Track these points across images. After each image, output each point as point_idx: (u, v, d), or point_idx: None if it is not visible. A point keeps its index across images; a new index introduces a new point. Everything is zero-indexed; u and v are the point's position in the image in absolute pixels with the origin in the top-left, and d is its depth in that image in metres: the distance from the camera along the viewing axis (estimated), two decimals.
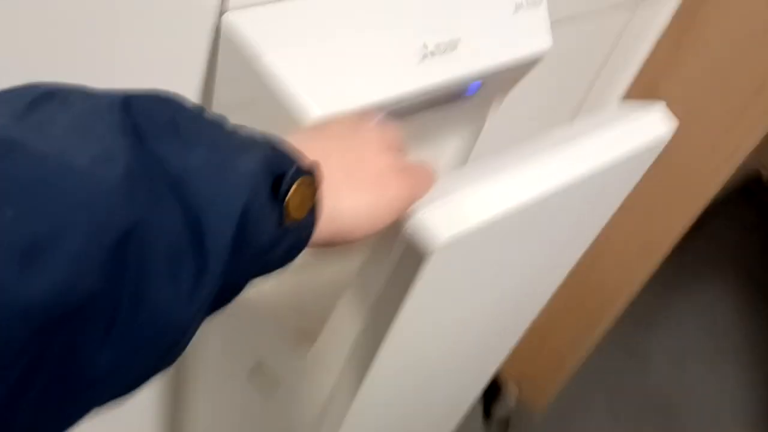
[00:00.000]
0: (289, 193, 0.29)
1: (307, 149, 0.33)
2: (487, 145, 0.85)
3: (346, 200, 0.35)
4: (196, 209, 0.25)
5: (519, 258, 0.55)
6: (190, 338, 0.26)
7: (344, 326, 0.51)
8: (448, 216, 0.42)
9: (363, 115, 0.46)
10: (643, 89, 1.07)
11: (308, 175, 0.30)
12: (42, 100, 0.23)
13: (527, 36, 0.61)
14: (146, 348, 0.23)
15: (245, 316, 0.61)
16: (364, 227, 0.36)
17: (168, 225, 0.24)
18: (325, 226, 0.33)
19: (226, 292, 0.28)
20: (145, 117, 0.25)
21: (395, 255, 0.43)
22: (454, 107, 0.66)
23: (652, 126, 0.56)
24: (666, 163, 1.12)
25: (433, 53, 0.54)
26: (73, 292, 0.20)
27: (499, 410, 1.54)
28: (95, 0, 0.42)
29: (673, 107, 1.08)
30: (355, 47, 0.50)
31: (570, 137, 0.53)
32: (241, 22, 0.48)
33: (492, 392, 1.53)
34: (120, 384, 0.24)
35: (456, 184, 0.45)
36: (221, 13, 0.48)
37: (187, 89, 0.51)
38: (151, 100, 0.26)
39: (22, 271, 0.19)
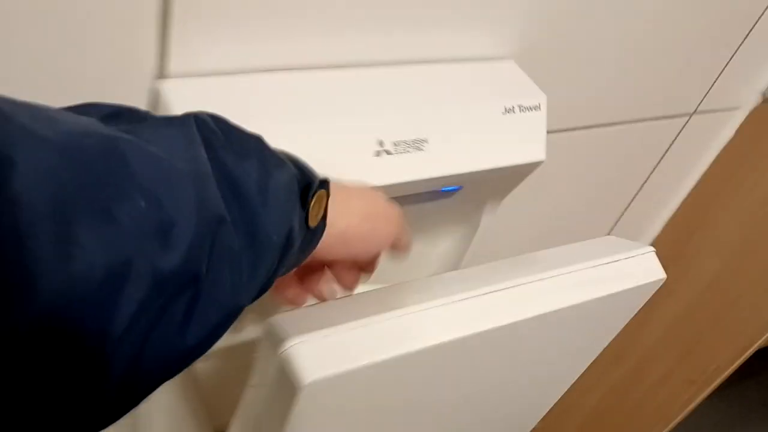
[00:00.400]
0: (312, 202, 0.34)
1: None
2: (500, 246, 0.78)
3: (346, 207, 0.39)
4: (252, 212, 0.29)
5: (445, 391, 0.48)
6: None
7: None
8: (333, 350, 0.37)
9: None
10: (693, 211, 0.97)
11: (324, 188, 0.35)
12: (113, 116, 0.27)
13: (513, 143, 0.54)
14: (211, 322, 0.27)
15: (168, 418, 0.57)
16: (363, 230, 0.41)
17: (234, 222, 0.28)
18: (331, 230, 0.37)
19: (264, 287, 0.32)
20: (208, 131, 0.29)
21: (273, 382, 0.38)
22: (437, 204, 0.60)
23: (631, 274, 0.48)
24: (716, 294, 1.01)
25: (389, 152, 0.49)
26: (188, 266, 0.25)
27: None
28: (39, 60, 0.41)
29: (726, 235, 0.98)
30: (297, 132, 0.46)
31: (526, 270, 0.46)
32: (174, 91, 0.45)
33: None
34: (191, 354, 0.27)
35: (357, 313, 0.39)
36: (158, 78, 0.45)
37: None
38: (209, 117, 0.30)
39: (161, 247, 0.23)
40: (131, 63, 0.44)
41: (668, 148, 0.86)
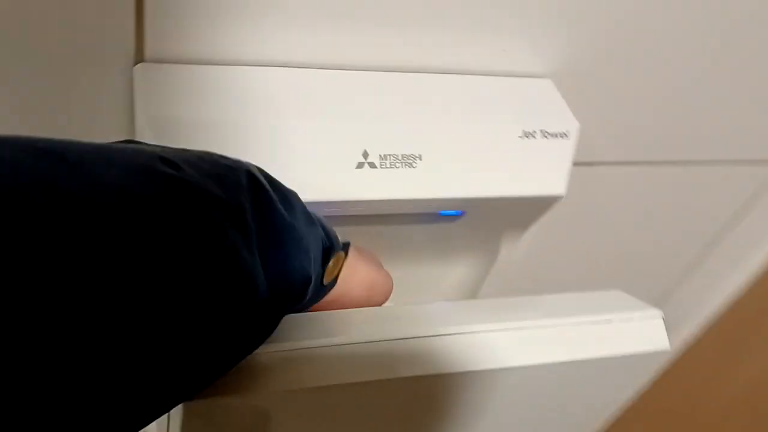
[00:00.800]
0: (330, 262, 0.35)
1: None
2: (524, 283, 0.72)
3: (352, 272, 0.41)
4: (292, 261, 0.31)
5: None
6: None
7: None
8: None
9: None
10: None
11: (345, 250, 0.38)
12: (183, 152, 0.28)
13: (526, 172, 0.48)
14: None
15: None
16: (361, 297, 0.42)
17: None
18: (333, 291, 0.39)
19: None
20: (257, 180, 0.30)
21: None
22: (444, 228, 0.55)
23: (626, 340, 0.41)
24: None
25: (373, 164, 0.44)
26: None
27: None
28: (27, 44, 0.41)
29: None
30: (267, 129, 0.42)
31: (504, 317, 0.41)
32: (145, 75, 0.43)
33: None
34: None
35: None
36: (137, 62, 0.44)
37: (113, 124, 0.47)
38: (254, 166, 0.32)
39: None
40: (112, 46, 0.43)
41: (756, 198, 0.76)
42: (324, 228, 0.35)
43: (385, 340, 0.38)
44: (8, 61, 0.42)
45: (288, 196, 0.32)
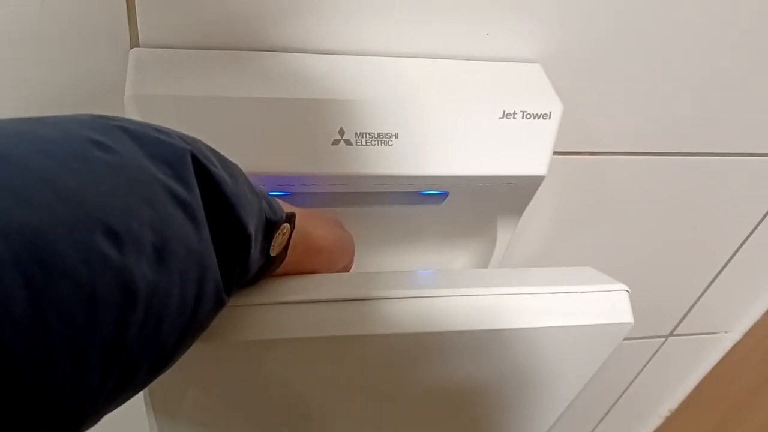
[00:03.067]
0: (276, 234, 0.36)
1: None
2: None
3: (312, 226, 0.43)
4: (242, 225, 0.31)
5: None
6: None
7: None
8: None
9: None
10: None
11: (290, 222, 0.38)
12: (118, 130, 0.28)
13: (504, 151, 0.49)
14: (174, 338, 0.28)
15: None
16: (329, 238, 0.44)
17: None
18: (298, 244, 0.40)
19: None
20: (202, 153, 0.30)
21: None
22: (432, 210, 0.56)
23: (589, 311, 0.41)
24: None
25: (348, 142, 0.46)
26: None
27: None
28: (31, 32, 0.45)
29: None
30: (247, 105, 0.45)
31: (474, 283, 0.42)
32: (139, 59, 0.46)
33: None
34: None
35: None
36: (133, 46, 0.47)
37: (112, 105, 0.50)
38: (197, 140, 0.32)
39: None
40: (109, 31, 0.46)
41: None
42: (267, 200, 0.35)
43: (350, 300, 0.39)
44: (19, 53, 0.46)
45: (232, 169, 0.32)
